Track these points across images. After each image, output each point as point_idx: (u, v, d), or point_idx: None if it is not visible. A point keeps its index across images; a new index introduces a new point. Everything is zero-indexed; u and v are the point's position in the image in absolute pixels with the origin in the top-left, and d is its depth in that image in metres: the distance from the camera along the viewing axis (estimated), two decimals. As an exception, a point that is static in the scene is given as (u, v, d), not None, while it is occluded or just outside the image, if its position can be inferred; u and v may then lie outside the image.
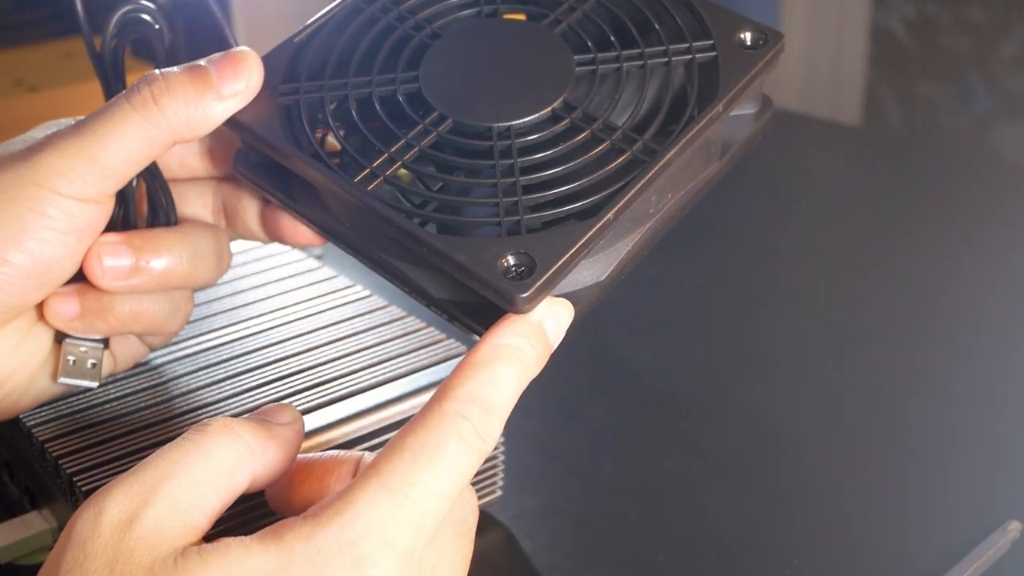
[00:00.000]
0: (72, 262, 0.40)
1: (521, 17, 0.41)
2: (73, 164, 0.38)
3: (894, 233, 0.78)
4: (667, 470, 0.53)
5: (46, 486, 0.43)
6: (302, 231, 0.42)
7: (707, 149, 0.40)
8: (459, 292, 0.36)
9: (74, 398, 0.44)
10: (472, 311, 0.36)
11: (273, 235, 0.44)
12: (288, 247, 0.56)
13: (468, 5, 0.41)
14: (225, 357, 0.47)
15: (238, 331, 0.49)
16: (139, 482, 0.31)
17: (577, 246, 0.34)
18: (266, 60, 0.40)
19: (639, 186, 0.35)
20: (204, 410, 0.43)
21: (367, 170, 0.36)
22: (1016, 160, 1.84)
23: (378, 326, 0.49)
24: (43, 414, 0.43)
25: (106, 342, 0.43)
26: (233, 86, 0.38)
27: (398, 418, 0.44)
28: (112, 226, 0.41)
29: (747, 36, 0.40)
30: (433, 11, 0.41)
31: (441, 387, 0.33)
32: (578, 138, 0.37)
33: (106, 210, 0.40)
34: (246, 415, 0.34)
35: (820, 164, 0.94)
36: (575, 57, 0.39)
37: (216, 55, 0.39)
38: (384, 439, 0.43)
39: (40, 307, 0.41)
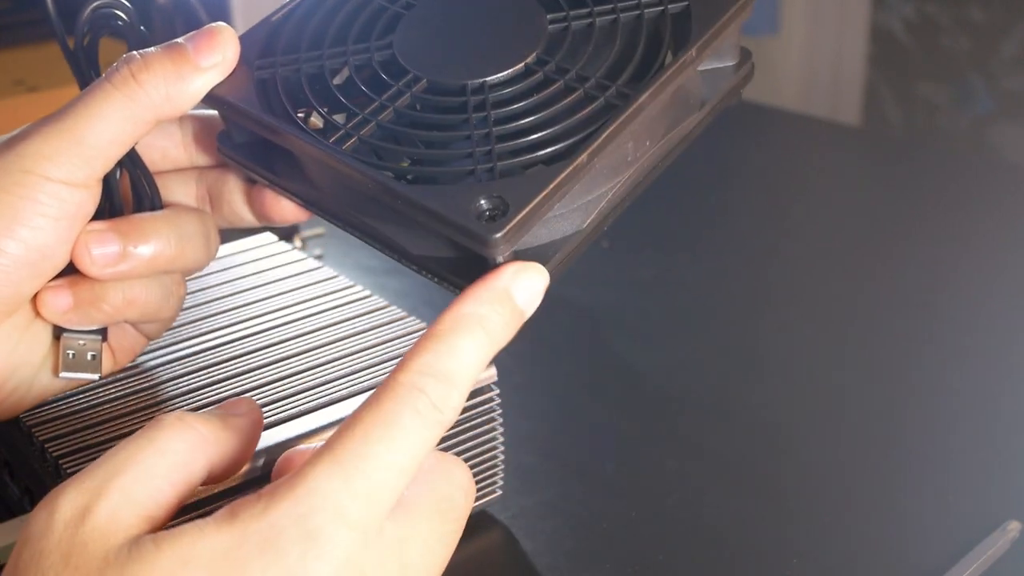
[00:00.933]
0: (64, 250, 0.40)
1: None
2: (59, 147, 0.38)
3: (894, 233, 0.78)
4: (667, 470, 0.53)
5: (46, 486, 0.43)
6: (288, 207, 0.42)
7: (685, 99, 0.40)
8: (441, 248, 0.36)
9: (74, 398, 0.44)
10: (456, 267, 0.36)
11: (259, 215, 0.44)
12: (288, 247, 0.56)
13: None
14: (225, 357, 0.47)
15: (238, 331, 0.49)
16: (91, 478, 0.31)
17: (551, 187, 0.34)
18: (244, 38, 0.40)
19: (612, 128, 0.36)
20: (203, 410, 0.43)
21: (342, 131, 0.37)
22: (1016, 160, 1.85)
23: (378, 326, 0.49)
24: (43, 414, 0.43)
25: (104, 334, 0.43)
26: (210, 58, 0.39)
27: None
28: (99, 216, 0.41)
29: None
30: None
31: (400, 360, 0.33)
32: (551, 88, 0.37)
33: (94, 195, 0.40)
34: (203, 409, 0.34)
35: (820, 164, 0.94)
36: (548, 16, 0.39)
37: (192, 32, 0.40)
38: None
39: (36, 304, 0.41)
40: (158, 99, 0.38)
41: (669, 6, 0.39)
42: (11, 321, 0.40)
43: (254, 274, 0.53)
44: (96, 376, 0.42)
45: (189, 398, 0.44)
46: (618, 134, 0.36)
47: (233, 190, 0.44)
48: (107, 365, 0.44)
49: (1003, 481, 0.51)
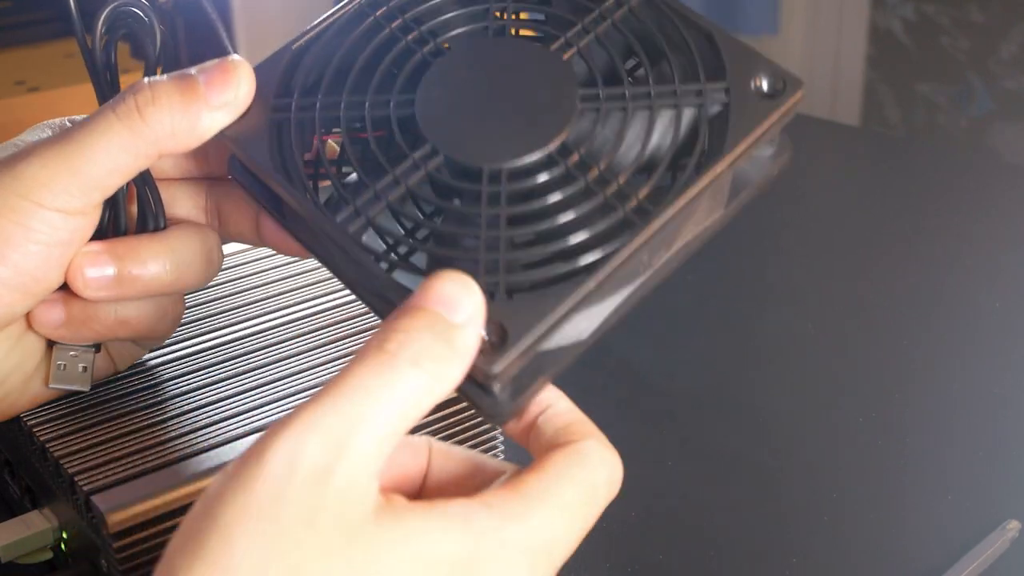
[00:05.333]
0: (58, 273, 0.39)
1: (530, 34, 0.40)
2: (55, 175, 0.37)
3: (893, 233, 0.78)
4: (667, 470, 0.53)
5: (47, 485, 0.43)
6: (292, 244, 0.41)
7: (711, 197, 0.37)
8: None
9: (75, 398, 0.44)
10: None
11: (265, 240, 0.43)
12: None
13: (477, 18, 0.40)
14: (225, 357, 0.47)
15: (237, 331, 0.49)
16: (330, 431, 0.29)
17: (554, 315, 0.33)
18: (261, 69, 0.39)
19: (626, 253, 0.34)
20: (204, 410, 0.43)
21: (351, 207, 0.35)
22: (1015, 160, 1.85)
23: (378, 326, 0.49)
24: (44, 414, 0.43)
25: (97, 346, 0.43)
26: (222, 96, 0.37)
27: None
28: (101, 231, 0.41)
29: (764, 82, 0.37)
30: (439, 22, 0.39)
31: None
32: (570, 188, 0.35)
33: (91, 220, 0.39)
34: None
35: (819, 164, 0.94)
36: (580, 91, 0.37)
37: (208, 63, 0.38)
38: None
39: (29, 317, 0.41)
40: (162, 135, 0.37)
41: (708, 101, 0.37)
42: (5, 331, 0.40)
43: (254, 274, 0.53)
44: (86, 388, 0.43)
45: (189, 398, 0.44)
46: (634, 255, 0.34)
47: (241, 209, 0.43)
48: (106, 371, 0.44)
49: (1003, 481, 0.51)
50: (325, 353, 0.47)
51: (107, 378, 0.45)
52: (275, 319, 0.50)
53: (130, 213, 0.42)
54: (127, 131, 0.37)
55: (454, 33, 0.39)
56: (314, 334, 0.48)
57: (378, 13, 0.39)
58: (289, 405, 0.44)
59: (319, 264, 0.54)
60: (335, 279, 0.52)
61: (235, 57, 0.39)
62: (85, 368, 0.42)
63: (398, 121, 0.37)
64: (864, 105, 2.06)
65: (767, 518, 0.50)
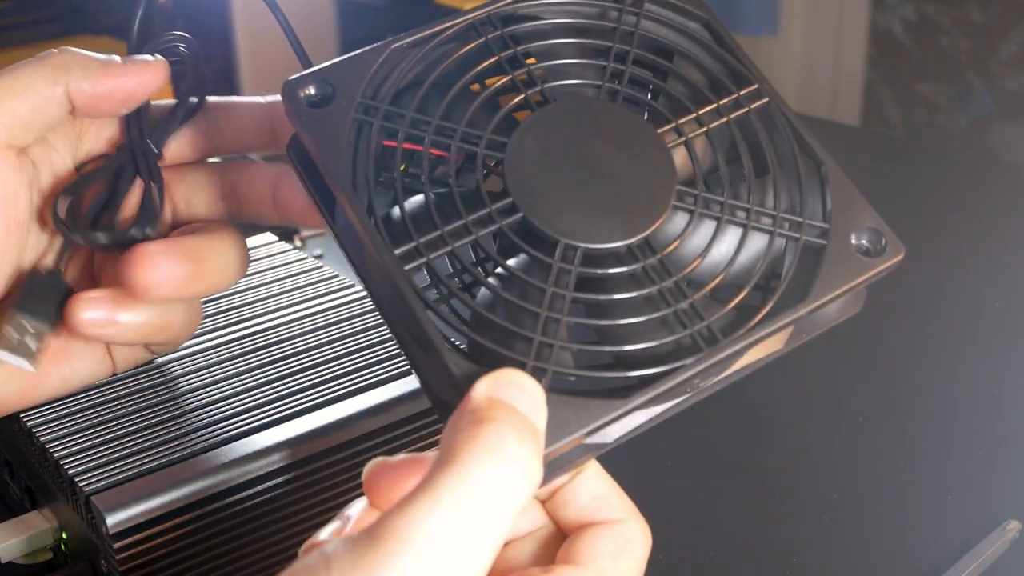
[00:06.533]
0: None
1: (641, 110, 0.37)
2: None
3: (892, 232, 0.78)
4: (667, 470, 0.53)
5: (47, 486, 0.43)
6: (315, 215, 0.38)
7: (776, 335, 0.35)
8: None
9: (75, 398, 0.44)
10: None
11: (285, 215, 0.43)
12: (288, 247, 0.56)
13: (589, 73, 0.37)
14: (224, 357, 0.47)
15: (237, 331, 0.49)
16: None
17: (592, 426, 0.31)
18: (353, 60, 0.36)
19: (680, 380, 0.32)
20: (204, 410, 0.43)
21: (413, 243, 0.32)
22: (1014, 160, 1.85)
23: (378, 326, 0.49)
24: (44, 414, 0.43)
25: (54, 327, 0.41)
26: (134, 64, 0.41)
27: (399, 417, 0.44)
28: (97, 211, 0.41)
29: (864, 237, 0.35)
30: (552, 67, 0.37)
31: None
32: (641, 292, 0.33)
33: (22, 175, 0.40)
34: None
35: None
36: (678, 187, 0.34)
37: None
38: (386, 438, 0.43)
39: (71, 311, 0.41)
40: (72, 63, 0.40)
41: (804, 239, 0.34)
42: None
43: (253, 274, 0.53)
44: (30, 368, 0.40)
45: (189, 398, 0.44)
46: (688, 380, 0.32)
47: (258, 188, 0.43)
48: (105, 372, 0.44)
49: (1003, 481, 0.51)
50: (325, 353, 0.47)
51: (106, 378, 0.45)
52: (275, 319, 0.50)
53: (127, 203, 0.42)
54: (37, 59, 0.40)
55: (563, 83, 0.36)
56: (314, 334, 0.48)
57: (490, 36, 0.37)
58: (288, 405, 0.44)
59: (319, 264, 0.54)
60: (335, 279, 0.53)
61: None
62: (36, 348, 0.40)
63: (483, 163, 0.34)
64: (864, 105, 2.06)
65: (767, 518, 0.50)
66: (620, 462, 0.55)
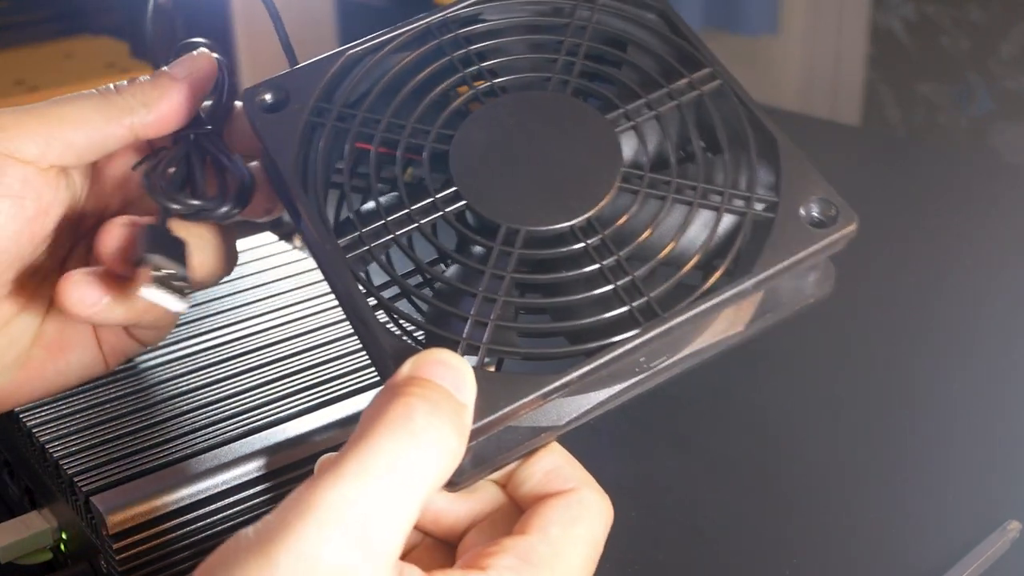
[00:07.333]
0: (22, 246, 0.39)
1: (589, 101, 0.37)
2: (21, 122, 0.38)
3: (893, 233, 0.78)
4: (667, 470, 0.53)
5: (47, 486, 0.43)
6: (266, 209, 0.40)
7: (732, 313, 0.35)
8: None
9: (74, 398, 0.44)
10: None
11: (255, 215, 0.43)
12: (288, 247, 0.56)
13: (540, 68, 0.38)
14: (224, 357, 0.47)
15: (236, 331, 0.49)
16: (355, 526, 0.27)
17: (524, 401, 0.31)
18: (308, 68, 0.37)
19: (617, 353, 0.32)
20: (203, 411, 0.43)
21: (357, 233, 0.34)
22: (1015, 160, 1.85)
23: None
24: (44, 414, 0.43)
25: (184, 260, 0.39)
26: (185, 67, 0.40)
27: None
28: (175, 184, 0.39)
29: (815, 207, 0.35)
30: (503, 63, 0.38)
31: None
32: (584, 270, 0.33)
33: (62, 195, 0.39)
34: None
35: (819, 164, 0.94)
36: (622, 170, 0.35)
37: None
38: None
39: (15, 299, 0.40)
40: (134, 104, 0.39)
41: (752, 212, 0.34)
42: None
43: (252, 274, 0.53)
44: (179, 306, 0.38)
45: (188, 398, 0.44)
46: (629, 355, 0.32)
47: None
48: (98, 369, 0.44)
49: (1003, 481, 0.51)
50: (325, 353, 0.47)
51: (100, 377, 0.45)
52: (275, 319, 0.50)
53: (210, 179, 0.40)
54: (99, 95, 0.39)
55: (513, 77, 0.37)
56: (314, 334, 0.48)
57: (444, 37, 0.38)
58: (288, 405, 0.44)
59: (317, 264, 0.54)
60: (335, 279, 0.53)
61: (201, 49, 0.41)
62: (179, 287, 0.38)
63: (431, 156, 0.35)
64: (864, 105, 2.06)
65: (767, 518, 0.50)
66: (620, 462, 0.55)
